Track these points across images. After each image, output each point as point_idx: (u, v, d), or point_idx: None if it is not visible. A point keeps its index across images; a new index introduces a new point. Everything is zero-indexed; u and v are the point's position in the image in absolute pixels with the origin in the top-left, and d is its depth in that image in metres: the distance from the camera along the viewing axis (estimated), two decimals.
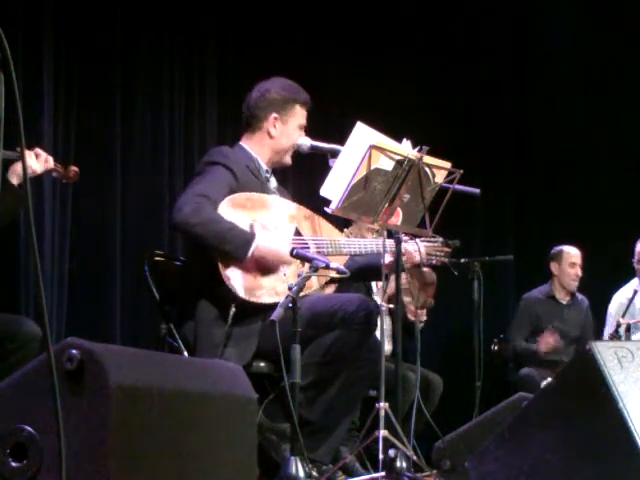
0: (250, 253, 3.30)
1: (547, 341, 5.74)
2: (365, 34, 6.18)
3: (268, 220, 3.45)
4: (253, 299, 3.33)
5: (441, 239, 3.78)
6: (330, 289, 3.71)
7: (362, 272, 3.67)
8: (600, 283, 6.10)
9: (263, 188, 3.57)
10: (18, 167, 3.25)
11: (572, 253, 6.05)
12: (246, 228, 3.36)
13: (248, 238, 3.32)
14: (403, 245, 3.49)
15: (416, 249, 3.64)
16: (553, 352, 5.71)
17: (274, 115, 3.59)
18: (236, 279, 3.32)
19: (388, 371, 3.40)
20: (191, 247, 3.65)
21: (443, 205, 3.39)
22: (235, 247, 3.30)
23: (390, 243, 3.47)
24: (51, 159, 3.41)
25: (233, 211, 3.37)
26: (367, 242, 3.61)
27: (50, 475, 1.85)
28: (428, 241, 3.74)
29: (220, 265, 3.31)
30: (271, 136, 3.61)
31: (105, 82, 4.94)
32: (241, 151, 3.62)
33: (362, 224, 4.55)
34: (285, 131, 3.60)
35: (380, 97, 5.85)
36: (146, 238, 4.98)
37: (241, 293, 3.31)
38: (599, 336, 5.81)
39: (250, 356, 3.33)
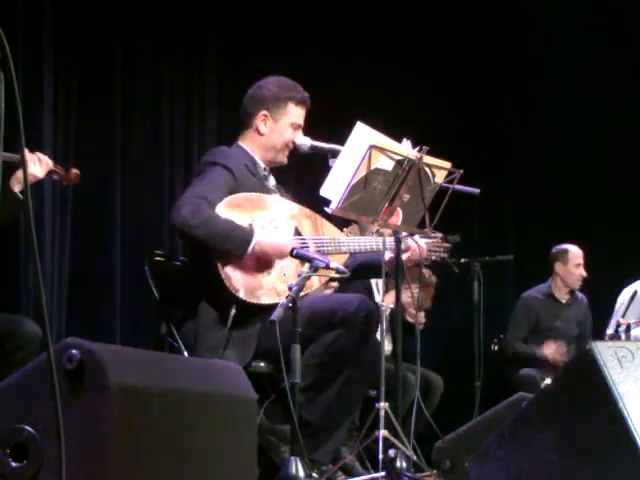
0: (251, 249, 3.29)
1: (553, 347, 5.75)
2: (366, 34, 6.18)
3: (267, 220, 3.44)
4: (253, 300, 3.32)
5: (440, 234, 3.77)
6: (330, 289, 3.71)
7: (362, 269, 3.66)
8: (599, 282, 6.09)
9: (262, 187, 3.56)
10: (20, 174, 3.24)
11: (578, 253, 6.06)
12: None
13: (248, 235, 3.32)
14: (407, 241, 3.47)
15: (416, 246, 3.62)
16: (555, 361, 5.74)
17: (263, 112, 3.54)
18: (236, 279, 3.31)
19: (388, 371, 3.40)
20: (192, 248, 3.65)
21: (443, 205, 3.39)
22: (235, 245, 3.29)
23: (390, 241, 3.46)
24: (50, 161, 3.41)
25: (231, 212, 3.36)
26: (367, 240, 3.59)
27: (50, 475, 1.85)
28: (428, 237, 3.72)
29: (220, 266, 3.30)
30: (260, 133, 3.56)
31: (105, 82, 4.94)
32: (239, 150, 3.60)
33: (366, 226, 4.52)
34: (276, 129, 3.55)
35: (380, 97, 5.85)
36: (146, 238, 4.98)
37: (241, 294, 3.31)
38: (598, 335, 5.81)
39: (250, 357, 3.33)
